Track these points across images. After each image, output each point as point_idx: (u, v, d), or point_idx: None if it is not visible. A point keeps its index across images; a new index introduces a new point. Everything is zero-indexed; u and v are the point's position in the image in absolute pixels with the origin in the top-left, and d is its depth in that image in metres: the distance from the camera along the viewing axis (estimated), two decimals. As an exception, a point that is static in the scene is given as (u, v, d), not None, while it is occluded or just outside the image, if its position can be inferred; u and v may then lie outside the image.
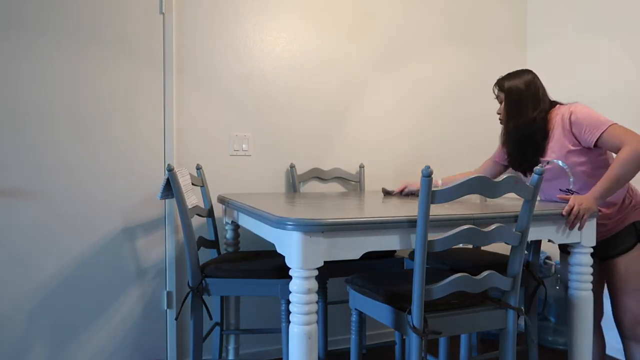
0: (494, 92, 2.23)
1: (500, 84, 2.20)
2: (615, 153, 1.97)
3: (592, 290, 2.02)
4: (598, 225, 2.04)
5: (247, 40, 2.83)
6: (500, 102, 2.20)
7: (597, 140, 1.96)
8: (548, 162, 2.09)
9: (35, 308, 2.44)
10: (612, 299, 2.11)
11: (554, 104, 2.16)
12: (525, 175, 2.19)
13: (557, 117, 2.09)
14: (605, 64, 3.01)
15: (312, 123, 2.99)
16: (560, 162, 2.06)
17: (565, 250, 2.18)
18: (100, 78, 2.54)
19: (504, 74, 2.25)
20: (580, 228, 1.91)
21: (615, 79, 2.95)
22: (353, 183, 3.10)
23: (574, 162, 2.04)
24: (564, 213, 1.88)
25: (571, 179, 2.07)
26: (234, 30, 2.80)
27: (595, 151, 2.04)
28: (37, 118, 2.43)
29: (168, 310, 2.69)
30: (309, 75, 2.97)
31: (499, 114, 2.23)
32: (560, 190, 2.11)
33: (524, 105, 2.12)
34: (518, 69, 2.25)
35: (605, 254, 2.10)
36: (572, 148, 2.03)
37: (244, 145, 2.83)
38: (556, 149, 2.07)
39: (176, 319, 2.60)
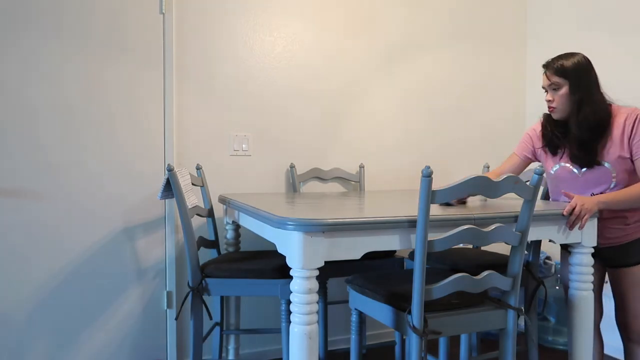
0: (548, 77, 2.00)
1: (556, 66, 1.98)
2: None
3: (593, 290, 2.02)
4: (615, 229, 2.02)
5: (247, 40, 2.83)
6: (555, 89, 1.99)
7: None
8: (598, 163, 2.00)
9: (35, 308, 2.44)
10: (620, 304, 2.08)
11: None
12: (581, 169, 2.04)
13: (620, 117, 1.96)
14: (605, 62, 3.01)
15: (312, 123, 2.99)
16: (608, 165, 1.98)
17: (567, 249, 2.17)
18: (100, 78, 2.53)
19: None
20: (580, 228, 1.91)
21: (616, 78, 2.94)
22: (353, 183, 3.10)
23: (622, 168, 1.96)
24: (565, 213, 1.87)
25: (612, 185, 1.99)
26: (234, 30, 2.80)
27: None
28: (36, 118, 2.42)
29: (168, 310, 2.69)
30: (309, 75, 2.97)
31: (549, 100, 2.02)
32: (593, 194, 2.02)
33: (592, 90, 1.97)
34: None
35: (617, 263, 2.06)
36: (626, 155, 1.94)
37: (244, 145, 2.83)
38: (610, 151, 1.97)
39: (176, 319, 2.60)
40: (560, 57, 2.01)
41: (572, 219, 1.88)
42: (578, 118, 1.97)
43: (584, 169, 2.03)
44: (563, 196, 2.15)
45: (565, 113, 2.02)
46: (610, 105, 2.01)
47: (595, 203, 1.89)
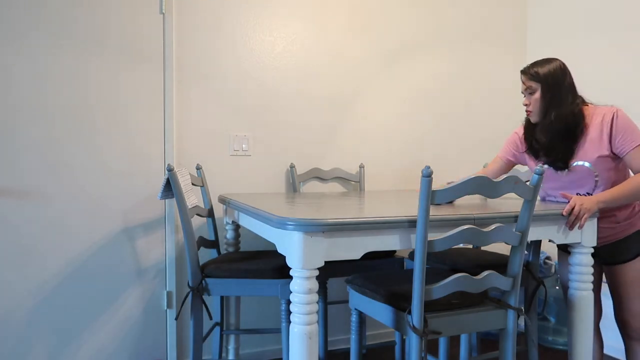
0: (524, 82, 2.06)
1: (531, 72, 2.04)
2: (636, 172, 1.95)
3: (592, 290, 2.02)
4: (607, 228, 2.03)
5: (247, 40, 2.83)
6: (531, 93, 2.05)
7: (628, 152, 1.93)
8: (576, 164, 2.02)
9: (35, 308, 2.44)
10: (618, 302, 2.09)
11: (584, 100, 2.06)
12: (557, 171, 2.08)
13: (596, 117, 1.99)
14: (605, 62, 3.01)
15: (313, 123, 2.99)
16: (589, 165, 1.99)
17: (565, 249, 2.18)
18: (100, 78, 2.53)
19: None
20: (580, 227, 1.91)
21: (615, 78, 2.95)
22: (353, 183, 3.10)
23: (603, 167, 1.98)
24: (564, 213, 1.88)
25: (595, 185, 2.01)
26: (234, 30, 2.80)
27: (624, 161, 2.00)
28: (37, 118, 2.42)
29: (168, 310, 2.69)
30: (309, 75, 2.97)
31: (526, 104, 2.09)
32: (579, 194, 2.04)
33: (564, 95, 2.01)
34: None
35: (612, 260, 2.08)
36: (606, 153, 1.96)
37: (244, 145, 2.83)
38: (589, 151, 1.99)
39: (176, 319, 2.60)
40: (536, 63, 2.07)
41: (571, 219, 1.88)
42: (545, 122, 2.03)
43: (565, 170, 2.06)
44: (551, 195, 2.17)
45: (540, 117, 2.07)
46: (583, 108, 2.02)
47: (594, 203, 1.90)
